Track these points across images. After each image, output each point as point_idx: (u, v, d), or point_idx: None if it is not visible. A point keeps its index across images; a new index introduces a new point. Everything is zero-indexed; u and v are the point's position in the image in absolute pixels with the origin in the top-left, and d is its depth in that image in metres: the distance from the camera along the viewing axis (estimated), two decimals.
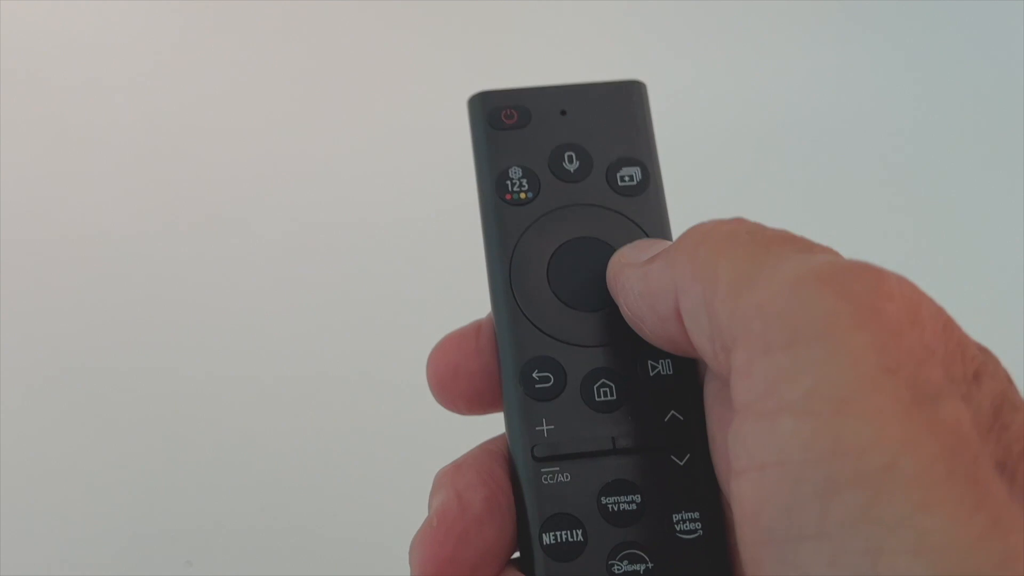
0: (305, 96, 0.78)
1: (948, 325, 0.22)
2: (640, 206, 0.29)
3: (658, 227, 0.29)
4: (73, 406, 0.68)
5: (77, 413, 0.67)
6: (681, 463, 0.27)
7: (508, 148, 0.30)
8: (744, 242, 0.23)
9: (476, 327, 0.29)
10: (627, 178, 0.30)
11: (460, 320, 0.29)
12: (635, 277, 0.26)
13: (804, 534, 0.19)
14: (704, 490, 0.27)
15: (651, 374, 0.28)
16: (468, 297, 0.35)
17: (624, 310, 0.27)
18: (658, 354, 0.28)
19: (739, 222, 0.24)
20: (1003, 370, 0.25)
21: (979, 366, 0.21)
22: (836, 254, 0.23)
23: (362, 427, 0.66)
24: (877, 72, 0.82)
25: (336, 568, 0.62)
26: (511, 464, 0.28)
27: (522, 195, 0.29)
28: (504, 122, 0.30)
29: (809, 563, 0.19)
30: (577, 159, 0.30)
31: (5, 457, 0.65)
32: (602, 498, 0.27)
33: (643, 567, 0.26)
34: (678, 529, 0.27)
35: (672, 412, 0.28)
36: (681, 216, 0.30)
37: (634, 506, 0.27)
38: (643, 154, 0.30)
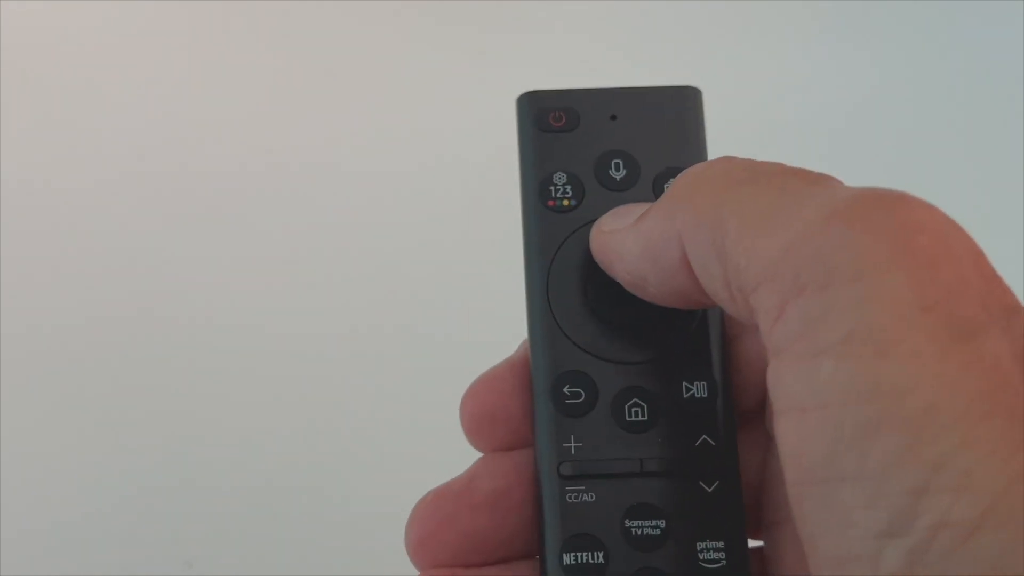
0: (329, 96, 0.77)
1: (979, 257, 0.21)
2: None
3: None
4: (72, 405, 0.67)
5: (76, 412, 0.67)
6: (709, 490, 0.27)
7: (554, 152, 0.29)
8: (743, 180, 0.23)
9: (509, 365, 0.28)
10: None
11: (493, 330, 0.28)
12: (629, 239, 0.25)
13: (844, 475, 0.20)
14: (730, 520, 0.27)
15: (685, 396, 0.27)
16: (504, 305, 0.33)
17: (622, 275, 0.26)
18: (694, 376, 0.27)
19: (729, 161, 0.24)
20: None
21: (1012, 299, 0.21)
22: (845, 186, 0.22)
23: (364, 428, 0.66)
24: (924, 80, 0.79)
25: (336, 569, 0.61)
26: (536, 479, 0.27)
27: (565, 202, 0.28)
28: (552, 124, 0.29)
29: (850, 503, 0.20)
30: (624, 167, 0.29)
31: (4, 456, 0.64)
32: (626, 521, 0.26)
33: None
34: (701, 558, 0.26)
35: (704, 437, 0.27)
36: None
37: (658, 531, 0.26)
38: (693, 164, 0.29)
